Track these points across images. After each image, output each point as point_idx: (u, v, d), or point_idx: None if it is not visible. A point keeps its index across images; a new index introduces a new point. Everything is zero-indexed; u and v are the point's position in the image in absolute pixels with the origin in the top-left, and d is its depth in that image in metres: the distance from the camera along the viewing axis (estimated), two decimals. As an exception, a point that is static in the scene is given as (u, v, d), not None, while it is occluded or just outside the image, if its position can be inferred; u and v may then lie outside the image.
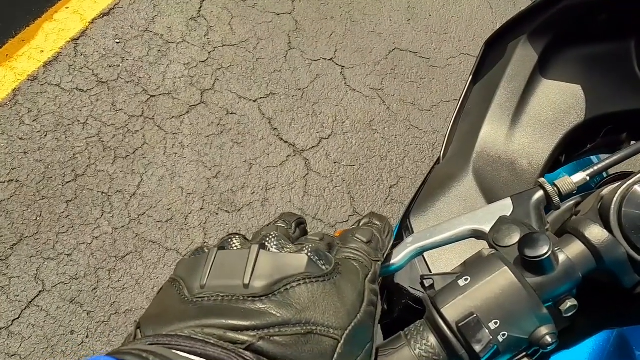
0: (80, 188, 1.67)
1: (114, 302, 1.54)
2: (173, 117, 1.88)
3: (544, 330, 0.34)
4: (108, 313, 1.52)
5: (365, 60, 2.23)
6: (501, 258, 0.36)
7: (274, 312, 0.28)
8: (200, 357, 0.25)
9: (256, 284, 0.29)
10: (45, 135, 1.75)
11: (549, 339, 0.34)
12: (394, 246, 0.43)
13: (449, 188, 0.61)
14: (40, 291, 1.51)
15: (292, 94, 2.04)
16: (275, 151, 1.90)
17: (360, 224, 0.38)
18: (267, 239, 0.33)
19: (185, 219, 1.69)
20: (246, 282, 0.29)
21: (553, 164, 0.65)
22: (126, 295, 1.55)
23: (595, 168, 0.42)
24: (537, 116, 0.64)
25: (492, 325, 0.34)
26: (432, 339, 0.36)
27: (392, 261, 0.44)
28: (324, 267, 0.31)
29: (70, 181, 1.68)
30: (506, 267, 0.35)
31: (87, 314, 1.50)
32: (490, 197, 0.60)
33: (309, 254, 0.31)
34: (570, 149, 0.68)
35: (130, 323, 1.50)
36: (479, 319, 0.33)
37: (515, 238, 0.38)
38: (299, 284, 0.29)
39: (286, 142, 1.92)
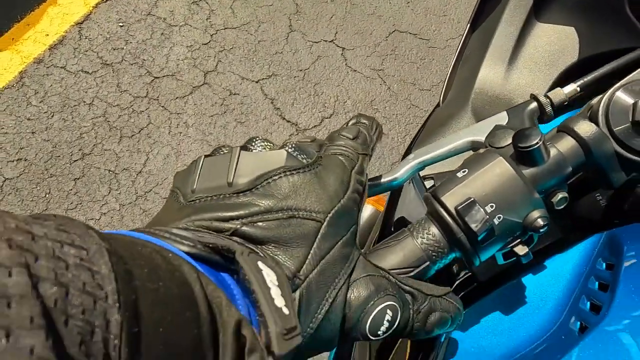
0: (88, 166, 1.70)
1: (122, 276, 1.57)
2: (177, 97, 1.90)
3: (536, 214, 0.37)
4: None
5: (365, 42, 2.25)
6: (497, 151, 0.38)
7: (257, 203, 0.30)
8: (191, 242, 0.26)
9: (239, 181, 0.31)
10: (52, 116, 1.78)
11: (540, 221, 0.36)
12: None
13: (449, 126, 0.64)
14: (50, 265, 1.54)
15: (294, 75, 2.07)
16: (278, 130, 1.92)
17: (348, 125, 0.39)
18: (250, 142, 0.35)
19: (191, 195, 1.72)
20: (230, 180, 0.31)
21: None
22: (134, 269, 1.58)
23: (586, 79, 0.44)
24: (533, 58, 0.67)
25: (488, 209, 0.36)
26: (434, 229, 0.38)
27: (395, 176, 0.47)
28: (303, 160, 0.33)
29: (77, 159, 1.71)
30: (501, 157, 0.37)
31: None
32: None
33: (288, 150, 0.33)
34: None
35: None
36: (476, 202, 0.36)
37: (509, 139, 0.40)
38: (280, 176, 0.31)
39: (289, 121, 1.95)
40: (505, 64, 0.67)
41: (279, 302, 0.25)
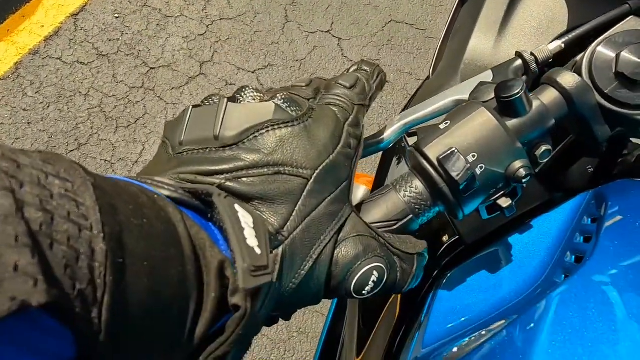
0: (84, 156, 1.70)
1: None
2: (173, 88, 1.90)
3: (518, 164, 0.36)
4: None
5: (361, 32, 2.25)
6: (479, 103, 0.38)
7: (243, 157, 0.29)
8: (172, 187, 0.27)
9: (226, 134, 0.30)
10: (48, 107, 1.77)
11: (522, 171, 0.36)
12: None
13: (438, 97, 0.64)
14: (47, 255, 1.54)
15: (290, 65, 2.06)
16: (274, 120, 1.92)
17: (349, 71, 0.38)
18: (239, 92, 0.34)
19: (187, 185, 1.72)
20: (216, 133, 0.30)
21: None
22: (131, 258, 1.58)
23: (571, 35, 0.44)
24: (522, 28, 0.67)
25: (470, 158, 0.36)
26: (417, 182, 0.38)
27: (382, 137, 0.47)
28: (293, 113, 0.31)
29: (73, 150, 1.71)
30: (483, 108, 0.37)
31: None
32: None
33: (277, 102, 0.32)
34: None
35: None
36: (457, 151, 0.36)
37: (493, 93, 0.40)
38: (267, 130, 0.30)
39: (285, 111, 1.95)
40: (495, 34, 0.67)
41: (252, 242, 0.25)
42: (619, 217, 0.38)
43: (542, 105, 0.38)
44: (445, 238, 0.53)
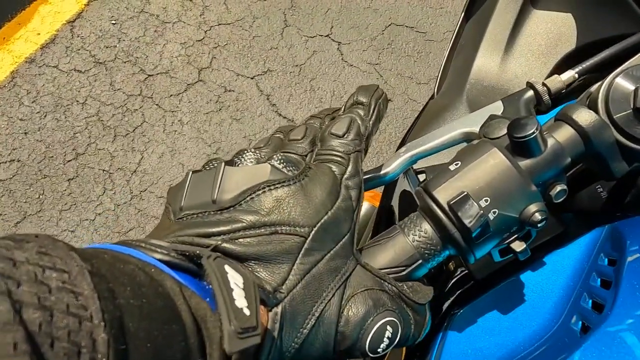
0: (82, 166, 1.68)
1: (118, 277, 1.55)
2: (171, 95, 1.88)
3: (533, 207, 0.34)
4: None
5: (361, 36, 2.23)
6: (491, 142, 0.36)
7: (240, 219, 0.29)
8: (165, 250, 0.27)
9: (224, 197, 0.30)
10: (45, 116, 1.75)
11: (538, 216, 0.34)
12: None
13: (443, 118, 0.62)
14: (45, 267, 1.53)
15: (290, 71, 2.04)
16: (274, 127, 1.90)
17: (346, 107, 0.37)
18: (238, 155, 0.35)
19: (187, 194, 1.70)
20: (214, 197, 0.30)
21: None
22: (130, 269, 1.56)
23: (584, 65, 0.42)
24: (529, 46, 0.65)
25: (482, 203, 0.34)
26: (426, 226, 0.36)
27: (387, 170, 0.45)
28: (289, 173, 0.32)
29: (71, 160, 1.69)
30: (495, 148, 0.35)
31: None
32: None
33: (273, 162, 0.32)
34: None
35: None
36: (469, 196, 0.34)
37: (505, 129, 0.38)
38: (264, 191, 0.30)
39: (285, 117, 1.93)
40: (501, 53, 0.65)
41: (241, 302, 0.25)
42: (639, 260, 0.36)
43: (557, 144, 0.36)
44: (451, 265, 0.51)
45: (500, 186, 0.34)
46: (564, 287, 0.41)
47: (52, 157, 1.68)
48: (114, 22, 2.00)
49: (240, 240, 0.29)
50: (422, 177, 0.39)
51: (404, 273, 0.36)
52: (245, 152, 0.35)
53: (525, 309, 0.41)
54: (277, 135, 0.40)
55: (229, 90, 1.94)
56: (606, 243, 0.41)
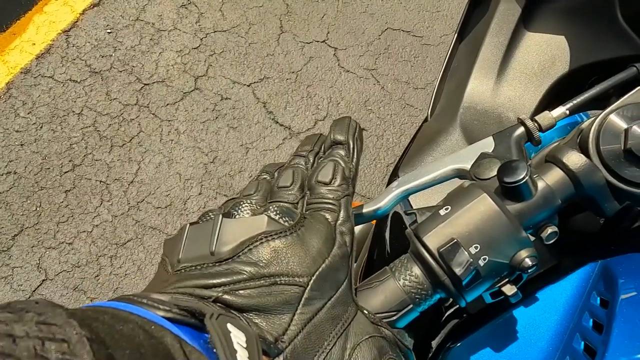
0: (79, 178, 1.68)
1: (116, 288, 1.55)
2: (168, 104, 1.88)
3: (523, 253, 0.34)
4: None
5: (358, 41, 2.22)
6: (480, 186, 0.36)
7: (240, 270, 0.30)
8: (167, 306, 0.27)
9: (222, 249, 0.31)
10: (41, 127, 1.75)
11: (529, 261, 0.34)
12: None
13: (437, 143, 0.62)
14: (43, 280, 1.53)
15: (286, 77, 2.04)
16: (271, 134, 1.90)
17: (325, 148, 0.38)
18: (235, 207, 0.35)
19: (184, 204, 1.70)
20: (212, 250, 0.31)
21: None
22: (128, 281, 1.56)
23: (575, 102, 0.42)
24: (523, 69, 0.65)
25: (472, 250, 0.34)
26: (416, 270, 0.36)
27: (378, 205, 0.45)
28: (285, 223, 0.33)
29: (68, 171, 1.69)
30: (485, 194, 0.35)
31: (91, 300, 1.52)
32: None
33: (270, 214, 0.33)
34: (557, 101, 0.69)
35: (133, 308, 1.52)
36: (459, 243, 0.34)
37: (495, 170, 0.38)
38: (261, 242, 0.31)
39: (282, 125, 1.92)
40: (494, 76, 0.65)
41: None
42: (631, 304, 0.36)
43: (548, 188, 0.36)
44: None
45: (490, 233, 0.34)
46: (557, 326, 0.41)
47: (49, 168, 1.68)
48: (109, 30, 1.99)
49: (241, 292, 0.29)
50: (411, 217, 0.39)
51: (394, 318, 0.36)
52: (241, 203, 0.35)
53: (518, 347, 0.41)
54: (264, 176, 0.40)
55: (226, 98, 1.93)
56: (599, 281, 0.41)
